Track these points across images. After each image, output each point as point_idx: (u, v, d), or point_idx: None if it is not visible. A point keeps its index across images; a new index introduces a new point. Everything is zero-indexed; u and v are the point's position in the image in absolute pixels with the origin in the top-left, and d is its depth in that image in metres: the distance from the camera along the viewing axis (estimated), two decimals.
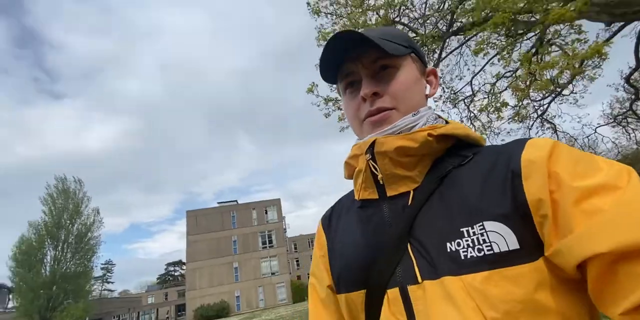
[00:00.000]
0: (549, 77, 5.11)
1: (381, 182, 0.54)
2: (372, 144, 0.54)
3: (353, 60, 0.58)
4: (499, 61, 6.50)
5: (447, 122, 0.58)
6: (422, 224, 0.49)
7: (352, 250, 0.57)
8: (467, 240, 0.43)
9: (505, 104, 5.91)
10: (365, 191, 0.58)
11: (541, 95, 6.74)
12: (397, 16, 6.95)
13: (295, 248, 53.49)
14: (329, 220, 0.69)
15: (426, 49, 6.68)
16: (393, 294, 0.48)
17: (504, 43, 5.94)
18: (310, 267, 0.70)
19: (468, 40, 6.68)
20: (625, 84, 8.52)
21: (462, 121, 7.73)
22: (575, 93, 6.50)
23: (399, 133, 0.54)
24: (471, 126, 7.79)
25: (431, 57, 7.04)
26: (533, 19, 5.27)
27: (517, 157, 0.45)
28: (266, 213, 37.00)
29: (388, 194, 0.55)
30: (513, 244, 0.40)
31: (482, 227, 0.43)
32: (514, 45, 5.87)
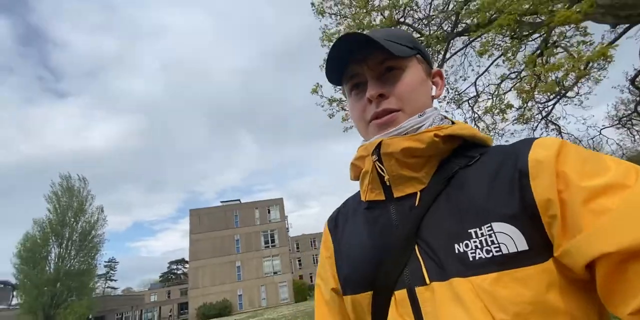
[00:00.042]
0: (554, 79, 5.10)
1: (388, 183, 0.54)
2: (378, 146, 0.54)
3: (359, 62, 0.58)
4: (503, 62, 6.51)
5: (453, 123, 0.59)
6: (429, 225, 0.49)
7: (359, 252, 0.57)
8: (475, 242, 0.43)
9: (510, 106, 5.91)
10: (372, 193, 0.58)
11: (546, 97, 6.73)
12: (401, 17, 6.96)
13: (298, 248, 53.55)
14: (335, 221, 0.69)
15: (431, 50, 6.69)
16: (400, 295, 0.48)
17: (508, 44, 5.94)
18: (317, 268, 0.70)
19: (472, 41, 6.69)
20: (631, 86, 8.48)
21: (465, 122, 7.71)
22: (580, 95, 6.48)
23: (405, 134, 0.54)
24: (475, 127, 7.76)
25: (436, 58, 7.05)
26: (538, 20, 5.27)
27: (524, 156, 0.45)
28: (269, 212, 37.08)
29: (395, 195, 0.55)
30: (522, 245, 0.40)
31: (490, 228, 0.42)
32: (519, 47, 5.87)
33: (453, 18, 6.47)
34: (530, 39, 5.97)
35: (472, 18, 5.89)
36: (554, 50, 5.26)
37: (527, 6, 4.48)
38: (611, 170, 0.39)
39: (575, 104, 6.97)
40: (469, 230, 0.44)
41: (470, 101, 7.79)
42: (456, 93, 7.81)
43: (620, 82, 9.41)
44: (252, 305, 32.46)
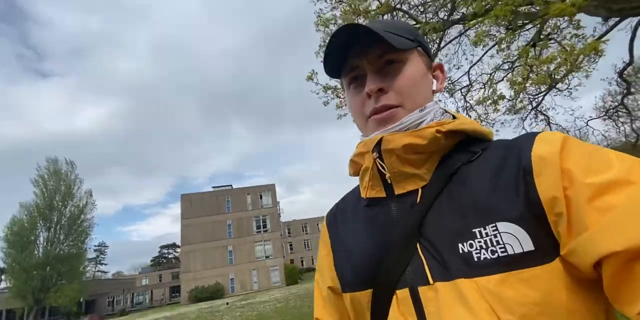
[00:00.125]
0: (546, 71, 5.20)
1: (389, 181, 0.54)
2: (379, 142, 0.53)
3: (358, 55, 0.56)
4: (497, 53, 6.57)
5: (454, 117, 0.58)
6: (431, 223, 0.48)
7: (359, 250, 0.56)
8: (479, 242, 0.42)
9: (502, 97, 6.02)
10: (373, 190, 0.57)
11: (537, 88, 6.86)
12: (398, 3, 6.90)
13: (289, 233, 54.34)
14: (334, 218, 0.68)
15: (427, 38, 6.69)
16: (402, 294, 0.47)
17: (503, 35, 5.98)
18: (316, 264, 0.69)
19: (468, 30, 6.70)
20: (618, 79, 8.69)
21: (457, 111, 7.83)
22: (570, 88, 6.63)
23: (406, 130, 0.53)
24: (467, 117, 7.90)
25: (431, 47, 7.05)
26: (533, 10, 5.31)
27: (527, 153, 0.44)
28: (261, 198, 37.28)
29: (396, 192, 0.54)
30: (527, 245, 0.39)
31: (495, 228, 0.42)
32: (513, 37, 5.92)
33: (449, 6, 6.45)
34: (525, 30, 6.03)
35: (468, 6, 5.89)
36: (547, 42, 5.33)
37: None
38: (615, 165, 0.39)
39: (565, 95, 7.14)
40: (473, 230, 0.43)
41: (463, 90, 7.89)
42: (449, 82, 7.87)
43: (609, 75, 9.59)
44: (244, 288, 33.10)
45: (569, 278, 0.38)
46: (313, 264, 52.73)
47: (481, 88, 7.35)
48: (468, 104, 7.82)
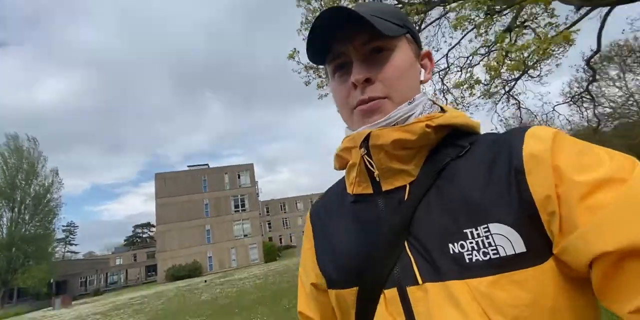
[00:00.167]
0: (520, 57, 5.41)
1: (377, 179, 0.52)
2: (366, 137, 0.51)
3: (343, 41, 0.52)
4: (475, 37, 6.71)
5: (442, 109, 0.57)
6: (420, 221, 0.47)
7: (344, 246, 0.55)
8: (471, 243, 0.41)
9: (478, 82, 6.23)
10: (359, 186, 0.55)
11: (511, 74, 7.12)
12: None
13: (268, 211, 54.74)
14: (318, 212, 0.66)
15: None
16: (390, 294, 0.46)
17: (482, 19, 6.09)
18: (300, 258, 0.68)
19: (448, 12, 6.75)
20: (585, 66, 9.15)
21: (435, 94, 8.05)
22: (541, 76, 6.94)
23: (394, 124, 0.51)
24: (443, 99, 8.15)
25: None
26: None
27: (518, 150, 0.43)
28: (239, 177, 37.02)
29: (383, 189, 0.52)
30: (519, 247, 0.39)
31: (487, 229, 0.41)
32: (491, 22, 6.06)
33: None
34: (503, 14, 6.16)
35: None
36: (523, 30, 5.50)
37: None
38: (606, 163, 0.39)
39: (536, 81, 7.48)
40: (465, 230, 0.42)
41: (440, 73, 8.04)
42: None
43: (577, 62, 10.06)
44: (222, 266, 33.48)
45: (561, 278, 0.38)
46: (292, 241, 53.93)
47: (458, 71, 7.55)
48: (445, 87, 8.03)
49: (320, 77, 7.32)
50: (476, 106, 8.25)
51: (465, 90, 6.97)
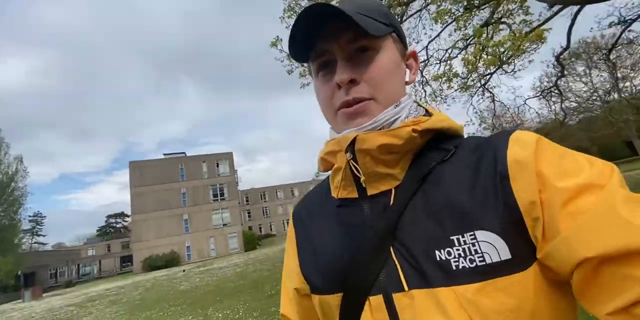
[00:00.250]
0: (497, 53, 5.64)
1: (364, 185, 0.52)
2: (352, 141, 0.50)
3: (327, 39, 0.51)
4: (455, 31, 6.88)
5: (427, 111, 0.56)
6: (406, 226, 0.47)
7: (328, 251, 0.54)
8: (457, 250, 0.42)
9: (456, 75, 6.43)
10: (344, 190, 0.55)
11: (487, 68, 7.39)
12: None
13: (247, 201, 54.52)
14: (301, 213, 0.66)
15: (391, 11, 6.70)
16: (376, 300, 0.46)
17: (461, 12, 6.26)
18: (284, 261, 0.67)
19: (429, 4, 6.86)
20: (555, 62, 9.60)
21: (414, 86, 8.23)
22: (515, 71, 7.26)
23: (380, 128, 0.50)
24: (422, 91, 8.35)
25: None
26: None
27: (502, 156, 0.44)
28: (217, 166, 36.50)
29: (368, 193, 0.52)
30: (505, 253, 0.40)
31: (473, 236, 0.41)
32: (470, 16, 6.23)
33: None
34: (481, 9, 6.35)
35: None
36: (499, 26, 5.71)
37: None
38: (586, 169, 0.40)
39: (509, 75, 7.79)
40: (451, 237, 0.43)
41: (420, 65, 8.20)
42: None
43: (548, 58, 10.53)
44: (201, 255, 33.30)
45: (544, 282, 0.40)
46: (272, 230, 54.25)
47: (437, 63, 7.73)
48: (424, 79, 8.21)
49: (302, 65, 7.28)
50: (453, 98, 8.50)
51: (443, 82, 7.18)
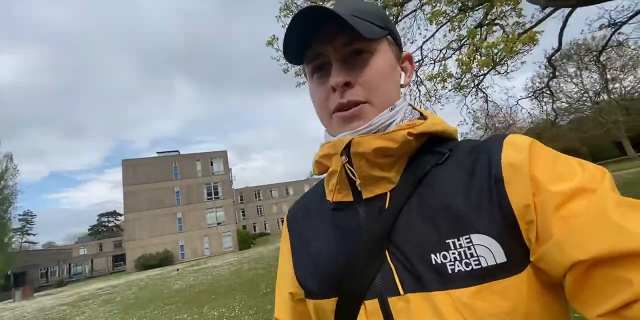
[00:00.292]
0: (490, 54, 5.74)
1: (359, 188, 0.52)
2: (348, 144, 0.50)
3: (322, 41, 0.51)
4: (449, 32, 6.97)
5: (421, 115, 0.57)
6: (401, 230, 0.47)
7: (323, 255, 0.54)
8: (453, 253, 0.42)
9: (450, 75, 6.52)
10: (340, 193, 0.55)
11: (481, 69, 7.50)
12: None
13: (242, 199, 54.31)
14: (295, 216, 0.65)
15: (387, 12, 6.80)
16: (371, 305, 0.46)
17: (455, 13, 6.35)
18: (278, 265, 0.67)
19: (424, 4, 6.94)
20: (547, 63, 9.77)
21: (408, 86, 8.31)
22: (508, 72, 7.38)
23: (375, 132, 0.51)
24: (417, 91, 8.44)
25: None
26: None
27: (496, 159, 0.44)
28: (212, 165, 36.35)
29: (364, 196, 0.52)
30: (500, 257, 0.40)
31: (469, 240, 0.42)
32: (464, 16, 6.33)
33: None
34: (475, 10, 6.44)
35: None
36: (492, 28, 5.81)
37: None
38: (578, 173, 0.40)
39: (502, 75, 7.91)
40: (447, 241, 0.43)
41: (415, 64, 8.28)
42: None
43: (540, 59, 10.72)
44: (195, 254, 33.15)
45: (537, 284, 0.40)
46: (266, 229, 54.09)
47: (431, 63, 7.83)
48: (419, 79, 8.30)
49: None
50: (447, 98, 8.59)
51: (438, 83, 7.27)
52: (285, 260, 0.63)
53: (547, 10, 6.57)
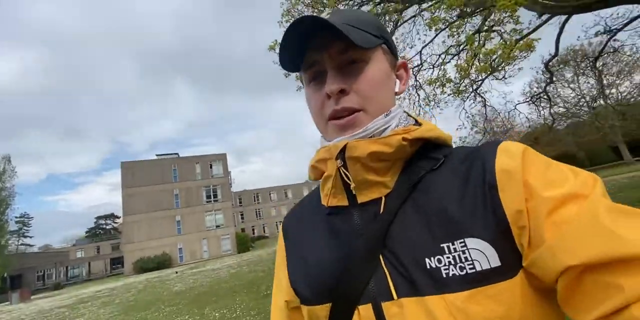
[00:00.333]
0: (488, 60, 5.88)
1: (354, 192, 0.52)
2: (343, 148, 0.50)
3: (318, 49, 0.52)
4: (448, 37, 7.12)
5: (416, 121, 0.58)
6: (396, 234, 0.47)
7: (317, 260, 0.54)
8: (448, 257, 0.42)
9: (449, 80, 6.66)
10: (335, 198, 0.55)
11: (479, 74, 7.66)
12: None
13: (240, 202, 54.31)
14: (290, 224, 0.65)
15: (386, 17, 6.95)
16: (365, 310, 0.46)
17: (454, 19, 6.51)
18: (274, 272, 0.67)
19: (423, 10, 7.09)
20: (544, 68, 9.94)
21: (408, 90, 8.46)
22: (506, 78, 7.54)
23: (370, 136, 0.51)
24: (416, 95, 8.58)
25: (388, 25, 7.36)
26: None
27: (490, 166, 0.45)
28: (211, 167, 36.39)
29: (359, 201, 0.52)
30: (494, 261, 0.40)
31: (463, 244, 0.42)
32: (463, 23, 6.49)
33: None
34: (473, 16, 6.60)
35: None
36: (491, 34, 5.97)
37: None
38: (570, 179, 0.41)
39: (500, 81, 8.07)
40: (442, 245, 0.43)
41: (414, 69, 8.44)
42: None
43: (538, 64, 10.90)
44: (194, 257, 33.06)
45: (530, 289, 0.40)
46: (264, 232, 54.07)
47: (430, 68, 7.97)
48: (417, 83, 8.44)
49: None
50: (446, 102, 8.74)
51: (437, 87, 7.41)
52: (281, 269, 0.62)
53: (544, 17, 6.74)
